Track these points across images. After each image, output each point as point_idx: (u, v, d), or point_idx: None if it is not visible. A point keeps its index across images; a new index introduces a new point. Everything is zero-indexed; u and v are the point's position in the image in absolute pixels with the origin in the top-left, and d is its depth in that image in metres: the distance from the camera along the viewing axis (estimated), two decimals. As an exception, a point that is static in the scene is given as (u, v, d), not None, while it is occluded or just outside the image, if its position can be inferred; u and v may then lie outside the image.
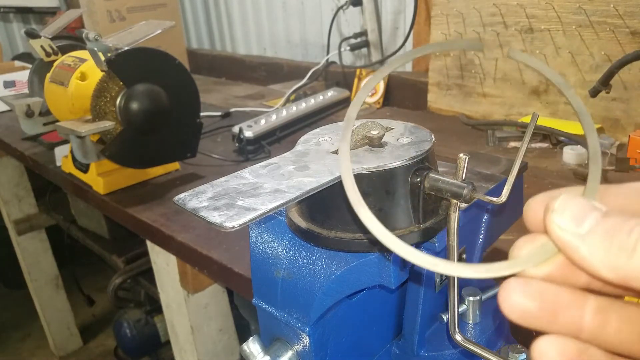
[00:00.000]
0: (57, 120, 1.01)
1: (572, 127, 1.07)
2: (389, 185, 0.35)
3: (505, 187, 0.34)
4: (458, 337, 0.37)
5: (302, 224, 0.37)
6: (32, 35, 1.05)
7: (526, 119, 1.16)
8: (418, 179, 0.35)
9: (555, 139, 1.06)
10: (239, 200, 0.31)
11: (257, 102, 1.64)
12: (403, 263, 0.37)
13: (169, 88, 0.95)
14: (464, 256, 0.47)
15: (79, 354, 2.23)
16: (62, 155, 1.15)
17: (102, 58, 0.88)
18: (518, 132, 1.12)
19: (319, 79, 1.67)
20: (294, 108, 1.32)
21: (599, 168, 0.23)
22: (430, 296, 0.43)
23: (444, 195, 0.34)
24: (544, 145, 1.08)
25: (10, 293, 2.57)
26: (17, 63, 1.87)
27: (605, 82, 0.87)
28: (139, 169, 1.02)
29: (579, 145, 1.00)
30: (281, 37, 2.05)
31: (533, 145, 1.08)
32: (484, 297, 0.46)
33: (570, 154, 0.99)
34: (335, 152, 0.38)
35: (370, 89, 0.26)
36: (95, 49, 0.87)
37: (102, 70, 0.90)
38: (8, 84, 1.64)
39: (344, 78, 1.59)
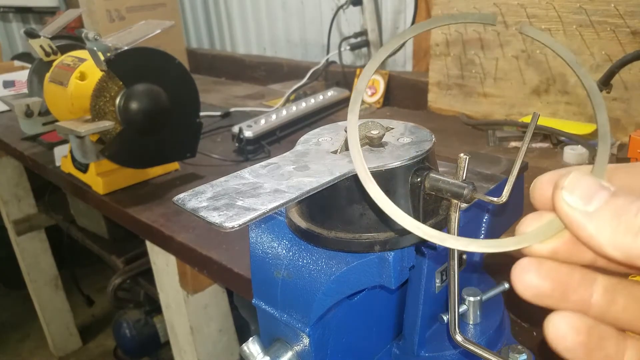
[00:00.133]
0: (57, 120, 1.01)
1: (572, 127, 1.07)
2: (389, 185, 0.35)
3: (506, 187, 0.34)
4: (458, 338, 0.37)
5: (302, 224, 0.37)
6: (31, 35, 1.05)
7: (527, 119, 1.16)
8: (418, 179, 0.35)
9: (556, 139, 1.06)
10: (238, 200, 0.31)
11: (257, 102, 1.64)
12: (405, 262, 0.37)
13: (168, 88, 0.95)
14: (464, 256, 0.47)
15: (78, 355, 2.23)
16: (61, 155, 1.15)
17: (102, 58, 0.87)
18: (518, 132, 1.12)
19: (319, 79, 1.67)
20: (294, 108, 1.32)
21: (608, 147, 0.23)
22: (430, 296, 0.43)
23: (444, 195, 0.34)
24: (545, 145, 1.08)
25: (10, 293, 2.57)
26: (17, 63, 1.87)
27: (605, 82, 0.87)
28: (139, 169, 1.01)
29: (579, 145, 1.00)
30: (281, 37, 2.05)
31: (534, 145, 1.08)
32: (484, 297, 0.45)
33: (570, 154, 0.99)
34: (335, 152, 0.37)
35: (383, 58, 0.26)
36: (95, 48, 0.87)
37: (101, 70, 0.89)
38: (7, 84, 1.64)
39: (344, 78, 1.59)
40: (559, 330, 0.23)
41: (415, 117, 1.37)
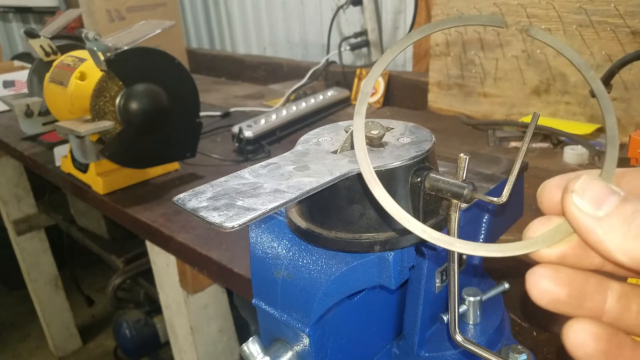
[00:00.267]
0: (57, 120, 1.01)
1: (572, 127, 1.07)
2: (389, 185, 0.35)
3: (506, 187, 0.34)
4: (458, 338, 0.37)
5: (302, 224, 0.37)
6: (31, 35, 1.05)
7: (527, 119, 1.16)
8: (418, 179, 0.35)
9: (556, 139, 1.06)
10: (238, 200, 0.31)
11: (257, 102, 1.64)
12: (406, 262, 0.37)
13: (168, 88, 0.95)
14: (464, 256, 0.47)
15: (78, 355, 2.23)
16: (61, 155, 1.15)
17: (102, 58, 0.87)
18: (519, 132, 1.12)
19: (319, 79, 1.67)
20: (294, 108, 1.32)
21: (617, 150, 0.23)
22: (430, 296, 0.43)
23: (444, 196, 0.34)
24: (545, 145, 1.08)
25: (10, 293, 2.57)
26: (17, 63, 1.87)
27: (605, 82, 0.87)
28: (139, 169, 1.01)
29: (579, 145, 1.00)
30: (281, 37, 2.05)
31: (534, 145, 1.08)
32: (484, 297, 0.45)
33: (570, 154, 0.99)
34: (335, 152, 0.37)
35: (390, 60, 0.26)
36: (95, 48, 0.87)
37: (101, 70, 0.89)
38: (7, 84, 1.64)
39: (344, 78, 1.59)
40: (579, 337, 0.23)
41: (415, 117, 1.37)
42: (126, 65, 0.90)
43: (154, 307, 1.60)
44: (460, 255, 0.45)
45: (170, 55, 0.96)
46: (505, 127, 1.16)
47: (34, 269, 2.00)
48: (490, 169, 0.49)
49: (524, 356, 0.43)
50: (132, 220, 0.92)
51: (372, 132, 0.37)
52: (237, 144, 1.16)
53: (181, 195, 0.32)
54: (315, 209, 0.37)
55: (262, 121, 1.22)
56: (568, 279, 0.23)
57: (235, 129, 1.18)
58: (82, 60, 0.97)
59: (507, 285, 0.47)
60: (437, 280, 0.43)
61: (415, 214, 0.36)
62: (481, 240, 0.48)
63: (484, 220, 0.48)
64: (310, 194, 0.32)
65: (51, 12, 2.56)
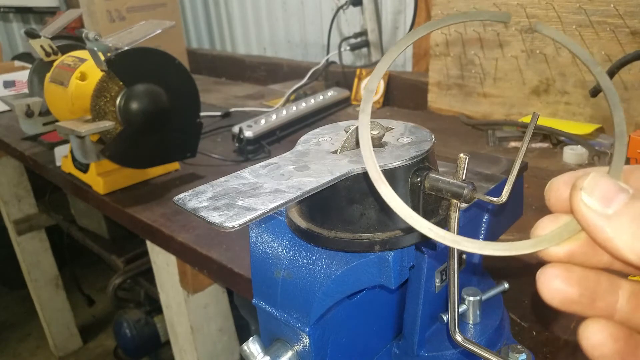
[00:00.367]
0: (57, 120, 1.01)
1: (572, 127, 1.07)
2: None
3: (506, 187, 0.34)
4: (458, 337, 0.37)
5: (302, 224, 0.37)
6: (32, 35, 1.05)
7: (526, 119, 1.16)
8: (418, 179, 0.35)
9: (556, 139, 1.06)
10: (239, 200, 0.31)
11: (257, 102, 1.64)
12: (405, 262, 0.37)
13: (168, 88, 0.95)
14: (464, 256, 0.47)
15: (78, 354, 2.23)
16: (61, 155, 1.15)
17: (102, 58, 0.88)
18: (518, 132, 1.12)
19: (319, 79, 1.67)
20: (294, 108, 1.32)
21: (625, 147, 0.23)
22: (430, 296, 0.43)
23: (444, 195, 0.34)
24: (544, 145, 1.08)
25: (10, 293, 2.57)
26: (17, 63, 1.87)
27: (605, 82, 0.87)
28: (139, 169, 1.02)
29: (579, 145, 1.00)
30: (281, 37, 2.05)
31: (533, 145, 1.08)
32: (484, 297, 0.46)
33: (570, 154, 0.99)
34: (335, 152, 0.38)
35: (394, 57, 0.25)
36: (95, 48, 0.87)
37: (102, 70, 0.89)
38: (8, 84, 1.64)
39: (344, 78, 1.59)
40: (597, 337, 0.22)
41: (415, 117, 1.37)
42: (126, 66, 0.90)
43: (154, 307, 1.61)
44: (460, 254, 0.45)
45: (171, 56, 0.96)
46: (505, 127, 1.16)
47: (34, 268, 2.00)
48: (490, 169, 0.49)
49: (524, 356, 0.43)
50: (133, 220, 0.92)
51: (372, 132, 0.37)
52: (237, 144, 1.16)
53: (181, 195, 0.32)
54: (315, 209, 0.37)
55: (262, 121, 1.22)
56: (580, 279, 0.23)
57: (236, 129, 1.18)
58: (82, 60, 0.97)
59: (507, 285, 0.47)
60: (437, 280, 0.43)
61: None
62: (481, 239, 0.48)
63: (484, 220, 0.48)
64: (310, 194, 0.32)
65: (51, 12, 2.57)
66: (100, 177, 1.00)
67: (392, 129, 0.41)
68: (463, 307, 0.45)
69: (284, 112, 1.29)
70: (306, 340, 0.38)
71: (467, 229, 0.46)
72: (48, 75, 1.02)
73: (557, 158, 1.02)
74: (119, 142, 0.92)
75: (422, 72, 1.51)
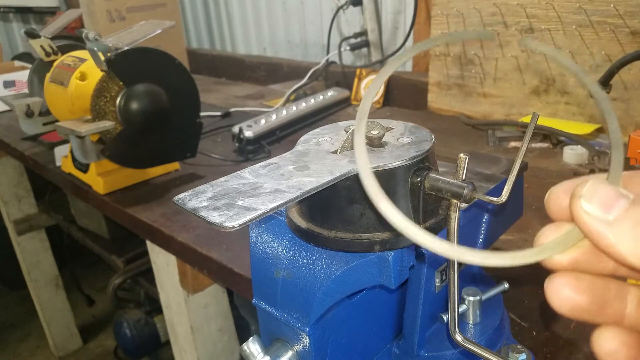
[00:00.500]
0: (57, 120, 1.01)
1: (572, 127, 1.07)
2: (389, 185, 0.35)
3: (506, 187, 0.34)
4: (458, 337, 0.37)
5: (302, 224, 0.37)
6: (32, 35, 1.05)
7: (526, 119, 1.16)
8: (418, 179, 0.35)
9: (556, 139, 1.06)
10: (239, 200, 0.31)
11: (257, 102, 1.64)
12: (405, 263, 0.37)
13: (169, 88, 0.95)
14: (464, 256, 0.47)
15: (78, 354, 2.23)
16: (61, 155, 1.15)
17: (102, 58, 0.88)
18: (518, 132, 1.12)
19: (319, 79, 1.67)
20: (294, 108, 1.32)
21: (622, 153, 0.23)
22: (430, 296, 0.43)
23: (444, 195, 0.34)
24: (544, 145, 1.08)
25: (10, 293, 2.57)
26: (17, 63, 1.87)
27: (605, 82, 0.87)
28: (139, 169, 1.02)
29: (579, 145, 1.00)
30: (281, 37, 2.05)
31: (533, 145, 1.08)
32: (484, 297, 0.46)
33: (570, 154, 0.99)
34: (335, 152, 0.38)
35: (385, 77, 0.26)
36: (95, 48, 0.87)
37: (101, 70, 0.89)
38: (8, 84, 1.64)
39: (344, 78, 1.59)
40: (610, 345, 0.22)
41: (415, 117, 1.37)
42: (126, 66, 0.90)
43: (154, 307, 1.61)
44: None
45: (171, 56, 0.96)
46: (505, 127, 1.16)
47: (34, 268, 2.00)
48: (490, 169, 0.49)
49: (524, 356, 0.43)
50: (133, 220, 0.92)
51: (372, 132, 0.37)
52: (237, 144, 1.16)
53: (181, 195, 0.32)
54: (315, 209, 0.37)
55: (262, 121, 1.22)
56: (588, 286, 0.23)
57: (236, 129, 1.18)
58: (82, 60, 0.97)
59: (506, 285, 0.47)
60: (437, 280, 0.43)
61: (415, 213, 0.36)
62: (481, 239, 0.48)
63: (484, 220, 0.48)
64: (310, 194, 0.32)
65: (51, 12, 2.57)
66: (100, 177, 1.00)
67: (392, 129, 0.41)
68: (463, 307, 0.45)
69: (284, 112, 1.29)
70: (306, 340, 0.38)
71: (467, 229, 0.46)
72: (48, 75, 1.02)
73: (557, 158, 1.02)
74: (119, 142, 0.92)
75: (422, 72, 1.51)
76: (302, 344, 0.38)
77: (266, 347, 0.40)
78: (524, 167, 0.50)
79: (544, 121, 1.11)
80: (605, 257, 0.22)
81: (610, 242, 0.21)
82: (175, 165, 1.08)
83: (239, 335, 1.12)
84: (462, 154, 0.34)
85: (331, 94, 1.45)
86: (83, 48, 1.08)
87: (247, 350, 0.39)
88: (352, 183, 0.34)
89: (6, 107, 1.45)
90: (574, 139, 1.02)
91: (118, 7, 1.80)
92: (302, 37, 1.97)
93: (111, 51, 0.89)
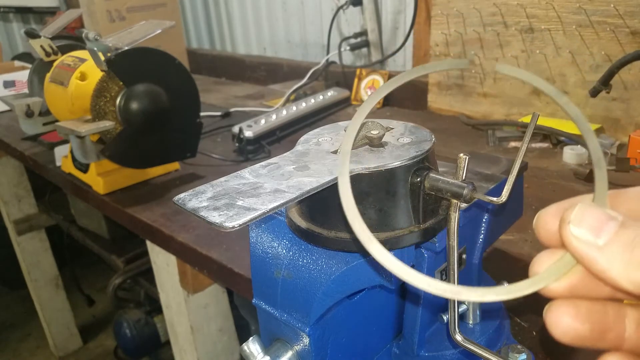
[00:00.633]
0: (57, 120, 1.01)
1: (572, 127, 1.07)
2: (389, 185, 0.35)
3: (506, 187, 0.34)
4: (458, 337, 0.37)
5: (302, 224, 0.37)
6: (32, 35, 1.05)
7: (526, 119, 1.16)
8: (418, 179, 0.35)
9: (556, 139, 1.06)
10: (239, 200, 0.31)
11: (257, 102, 1.64)
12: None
13: (169, 88, 0.95)
14: (463, 256, 0.47)
15: (78, 354, 2.23)
16: (61, 155, 1.15)
17: (102, 58, 0.88)
18: (518, 132, 1.12)
19: (319, 79, 1.67)
20: (294, 108, 1.32)
21: (605, 173, 0.23)
22: (430, 296, 0.43)
23: (444, 195, 0.34)
24: (544, 145, 1.08)
25: (10, 293, 2.57)
26: (17, 63, 1.87)
27: (605, 82, 0.87)
28: (139, 169, 1.02)
29: (579, 145, 1.00)
30: (281, 37, 2.05)
31: (533, 145, 1.08)
32: (484, 297, 0.45)
33: (570, 154, 0.99)
34: (335, 152, 0.38)
35: (360, 122, 0.26)
36: (95, 48, 0.87)
37: (101, 70, 0.89)
38: (8, 84, 1.64)
39: (344, 78, 1.59)
40: None
41: (415, 117, 1.37)
42: (126, 66, 0.90)
43: (154, 307, 1.61)
44: (460, 254, 0.45)
45: (171, 56, 0.96)
46: (505, 127, 1.16)
47: (34, 268, 2.00)
48: (490, 169, 0.49)
49: (524, 356, 0.43)
50: (133, 220, 0.92)
51: (372, 132, 0.37)
52: (237, 144, 1.16)
53: (181, 195, 0.32)
54: (315, 209, 0.37)
55: (262, 121, 1.22)
56: (588, 313, 0.22)
57: (236, 129, 1.18)
58: (82, 60, 0.97)
59: (506, 285, 0.47)
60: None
61: (415, 213, 0.36)
62: (481, 239, 0.48)
63: (484, 220, 0.48)
64: (310, 194, 0.32)
65: (51, 12, 2.57)
66: (100, 177, 1.00)
67: (392, 129, 0.41)
68: (463, 307, 0.45)
69: (284, 112, 1.29)
70: (306, 340, 0.38)
71: (467, 229, 0.46)
72: (48, 75, 1.02)
73: (557, 158, 1.02)
74: (119, 142, 0.92)
75: (422, 72, 1.51)
76: (302, 344, 0.38)
77: (266, 347, 0.40)
78: (524, 167, 0.50)
79: (544, 121, 1.11)
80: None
81: (602, 267, 0.21)
82: (175, 165, 1.08)
83: (239, 335, 1.12)
84: (462, 154, 0.34)
85: (331, 94, 1.45)
86: (83, 48, 1.08)
87: (247, 350, 0.39)
88: (352, 183, 0.34)
89: (6, 107, 1.45)
90: (574, 139, 1.02)
91: (118, 7, 1.80)
92: (302, 37, 1.97)
93: (111, 51, 0.89)
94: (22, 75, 1.65)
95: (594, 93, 0.90)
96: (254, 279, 0.41)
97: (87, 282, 2.36)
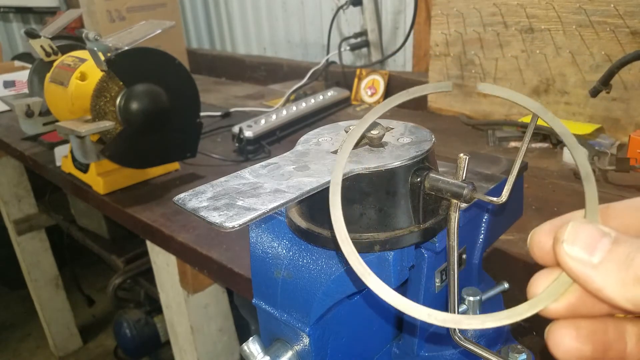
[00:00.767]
0: (57, 120, 1.01)
1: (572, 127, 1.07)
2: (389, 185, 0.35)
3: (506, 187, 0.34)
4: (458, 337, 0.37)
5: (302, 224, 0.37)
6: (32, 35, 1.05)
7: (526, 119, 1.16)
8: (418, 179, 0.35)
9: (556, 139, 1.06)
10: (239, 200, 0.31)
11: (257, 102, 1.64)
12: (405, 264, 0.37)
13: (169, 88, 0.95)
14: (463, 256, 0.47)
15: (78, 354, 2.23)
16: (62, 155, 1.15)
17: (102, 58, 0.88)
18: (518, 132, 1.12)
19: (319, 79, 1.67)
20: (294, 108, 1.32)
21: (594, 187, 0.23)
22: (430, 296, 0.43)
23: (444, 195, 0.34)
24: (544, 145, 1.08)
25: (10, 293, 2.57)
26: (17, 63, 1.87)
27: (605, 82, 0.87)
28: (139, 169, 1.02)
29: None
30: (281, 37, 2.05)
31: (533, 145, 1.08)
32: (484, 297, 0.46)
33: (570, 154, 0.99)
34: (335, 152, 0.38)
35: (348, 150, 0.27)
36: (95, 48, 0.87)
37: (102, 70, 0.89)
38: (8, 84, 1.64)
39: (344, 78, 1.59)
40: None
41: (415, 117, 1.37)
42: (126, 66, 0.90)
43: (154, 307, 1.61)
44: (460, 254, 0.45)
45: (171, 56, 0.96)
46: (505, 127, 1.16)
47: (34, 268, 2.00)
48: (490, 169, 0.49)
49: (524, 356, 0.43)
50: (133, 220, 0.92)
51: (372, 132, 0.37)
52: (237, 144, 1.16)
53: (181, 195, 0.32)
54: (315, 209, 0.37)
55: (262, 121, 1.22)
56: (589, 333, 0.22)
57: (236, 129, 1.18)
58: (82, 60, 0.97)
59: (506, 285, 0.47)
60: (437, 280, 0.43)
61: (415, 213, 0.36)
62: (481, 239, 0.48)
63: (484, 220, 0.48)
64: (310, 194, 0.32)
65: (52, 12, 2.57)
66: (100, 177, 1.00)
67: (392, 129, 0.41)
68: (463, 307, 0.45)
69: (284, 112, 1.29)
70: (306, 340, 0.38)
71: (467, 229, 0.46)
72: (48, 75, 1.02)
73: (557, 158, 1.02)
74: (119, 142, 0.92)
75: (422, 72, 1.51)
76: (302, 344, 0.38)
77: (266, 347, 0.40)
78: (524, 167, 0.49)
79: (544, 121, 1.11)
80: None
81: (597, 286, 0.21)
82: (175, 165, 1.08)
83: (239, 335, 1.12)
84: (462, 154, 0.34)
85: (331, 94, 1.45)
86: (83, 48, 1.08)
87: (247, 350, 0.39)
88: (352, 183, 0.34)
89: (6, 107, 1.45)
90: (574, 139, 1.01)
91: (118, 7, 1.80)
92: (302, 37, 1.97)
93: (111, 51, 0.89)
94: (22, 75, 1.65)
95: (594, 93, 0.90)
96: (254, 279, 0.41)
97: (87, 282, 2.36)
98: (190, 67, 2.09)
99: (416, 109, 1.43)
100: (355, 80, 1.54)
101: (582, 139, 1.01)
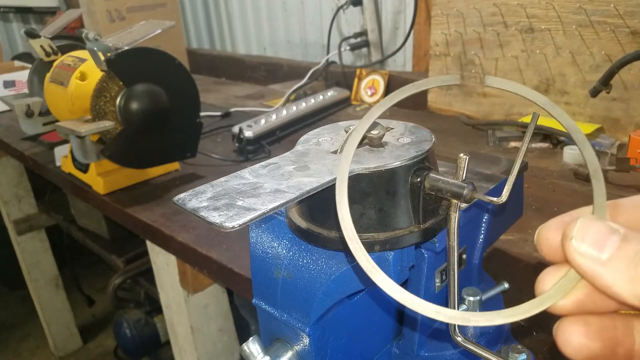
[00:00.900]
0: (57, 120, 1.01)
1: (572, 127, 1.07)
2: (389, 185, 0.35)
3: (506, 187, 0.34)
4: (458, 338, 0.37)
5: (302, 224, 0.37)
6: (32, 35, 1.05)
7: (526, 119, 1.16)
8: (418, 179, 0.35)
9: (556, 139, 1.06)
10: (239, 200, 0.31)
11: (257, 102, 1.64)
12: (405, 263, 0.37)
13: (169, 88, 0.95)
14: (463, 256, 0.47)
15: (78, 354, 2.23)
16: (61, 155, 1.15)
17: (102, 58, 0.88)
18: (518, 132, 1.12)
19: (319, 79, 1.67)
20: (294, 108, 1.32)
21: (602, 184, 0.23)
22: (430, 296, 0.43)
23: (444, 195, 0.34)
24: (544, 145, 1.08)
25: (10, 293, 2.57)
26: (17, 63, 1.87)
27: (605, 82, 0.87)
28: (139, 169, 1.02)
29: (579, 145, 1.00)
30: (281, 37, 2.05)
31: (533, 145, 1.08)
32: (484, 297, 0.46)
33: (570, 154, 0.99)
34: (335, 152, 0.38)
35: (354, 146, 0.26)
36: (95, 48, 0.87)
37: (101, 70, 0.89)
38: (8, 84, 1.64)
39: (344, 78, 1.59)
40: None
41: (415, 117, 1.37)
42: (126, 66, 0.90)
43: (154, 307, 1.61)
44: (460, 254, 0.45)
45: (171, 56, 0.96)
46: (505, 127, 1.16)
47: (34, 268, 2.00)
48: (490, 169, 0.49)
49: (524, 356, 0.43)
50: (133, 220, 0.92)
51: (372, 132, 0.37)
52: (237, 144, 1.16)
53: (181, 195, 0.32)
54: (315, 209, 0.37)
55: (262, 121, 1.22)
56: (599, 330, 0.22)
57: (236, 129, 1.18)
58: (82, 60, 0.97)
59: (506, 285, 0.47)
60: (437, 280, 0.43)
61: (415, 213, 0.36)
62: (481, 239, 0.48)
63: (484, 220, 0.48)
64: (310, 194, 0.32)
65: (51, 12, 2.57)
66: (100, 177, 1.00)
67: (392, 129, 0.41)
68: (463, 307, 0.45)
69: (284, 112, 1.29)
70: (306, 340, 0.38)
71: (467, 229, 0.46)
72: (48, 75, 1.02)
73: (557, 158, 1.02)
74: (119, 142, 0.92)
75: (422, 72, 1.51)
76: (302, 344, 0.38)
77: (266, 347, 0.40)
78: (524, 167, 0.49)
79: (544, 121, 1.11)
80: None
81: (606, 282, 0.21)
82: (175, 165, 1.08)
83: (239, 335, 1.12)
84: (462, 154, 0.34)
85: (331, 94, 1.45)
86: (83, 48, 1.08)
87: (247, 350, 0.39)
88: (352, 183, 0.34)
89: (6, 107, 1.45)
90: (574, 140, 1.01)
91: (118, 7, 1.80)
92: (302, 37, 1.97)
93: (111, 51, 0.89)
94: (22, 75, 1.65)
95: (594, 93, 0.90)
96: (254, 279, 0.41)
97: (87, 282, 2.36)
98: (190, 67, 2.09)
99: (416, 109, 1.43)
100: (355, 80, 1.54)
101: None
